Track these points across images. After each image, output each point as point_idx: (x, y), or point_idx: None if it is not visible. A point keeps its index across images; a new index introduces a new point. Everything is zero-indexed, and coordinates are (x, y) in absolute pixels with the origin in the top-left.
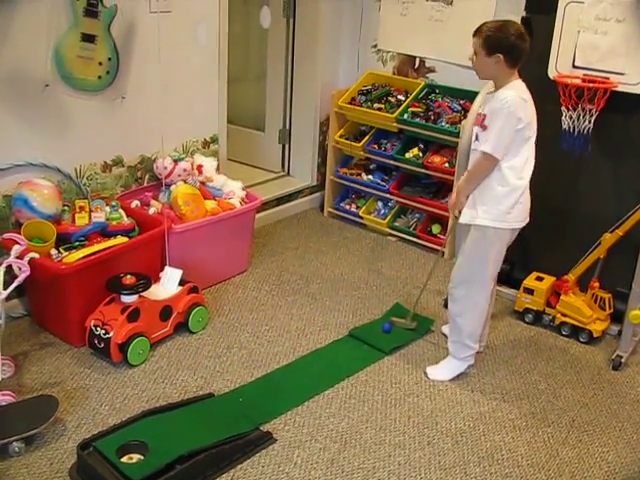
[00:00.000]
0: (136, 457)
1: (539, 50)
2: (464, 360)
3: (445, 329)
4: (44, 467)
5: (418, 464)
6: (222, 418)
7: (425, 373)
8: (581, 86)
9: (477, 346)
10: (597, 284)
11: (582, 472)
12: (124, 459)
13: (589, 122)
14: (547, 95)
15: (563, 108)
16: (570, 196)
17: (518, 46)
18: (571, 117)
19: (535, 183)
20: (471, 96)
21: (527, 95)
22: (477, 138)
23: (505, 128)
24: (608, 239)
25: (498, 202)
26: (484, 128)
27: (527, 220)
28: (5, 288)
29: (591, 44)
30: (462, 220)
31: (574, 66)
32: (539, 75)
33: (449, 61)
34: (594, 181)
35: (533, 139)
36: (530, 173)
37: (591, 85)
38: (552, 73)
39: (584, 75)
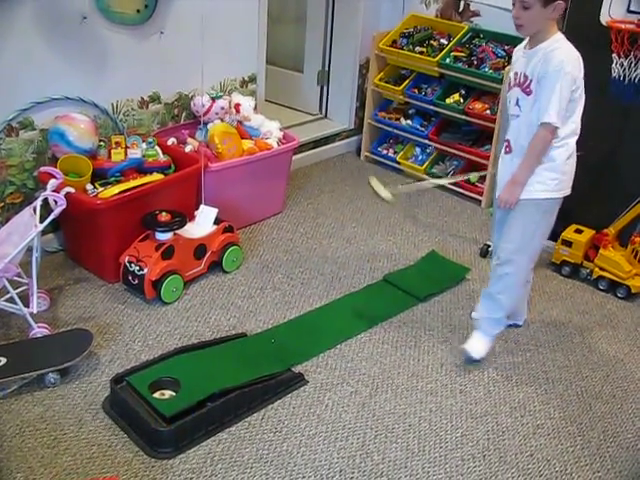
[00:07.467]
0: (168, 393)
1: None
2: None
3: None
4: (78, 399)
5: (449, 412)
6: (254, 358)
7: (463, 349)
8: (636, 31)
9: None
10: (638, 239)
11: (614, 427)
12: (156, 395)
13: None
14: (597, 41)
15: (614, 55)
16: (614, 147)
17: None
18: (622, 65)
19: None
20: (517, 42)
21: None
22: (517, 102)
23: (563, 91)
24: None
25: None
26: (528, 93)
27: None
28: (41, 222)
29: None
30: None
31: (629, 10)
32: (590, 20)
33: (495, 5)
34: None
35: (582, 102)
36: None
37: None
38: (604, 18)
39: (639, 20)
